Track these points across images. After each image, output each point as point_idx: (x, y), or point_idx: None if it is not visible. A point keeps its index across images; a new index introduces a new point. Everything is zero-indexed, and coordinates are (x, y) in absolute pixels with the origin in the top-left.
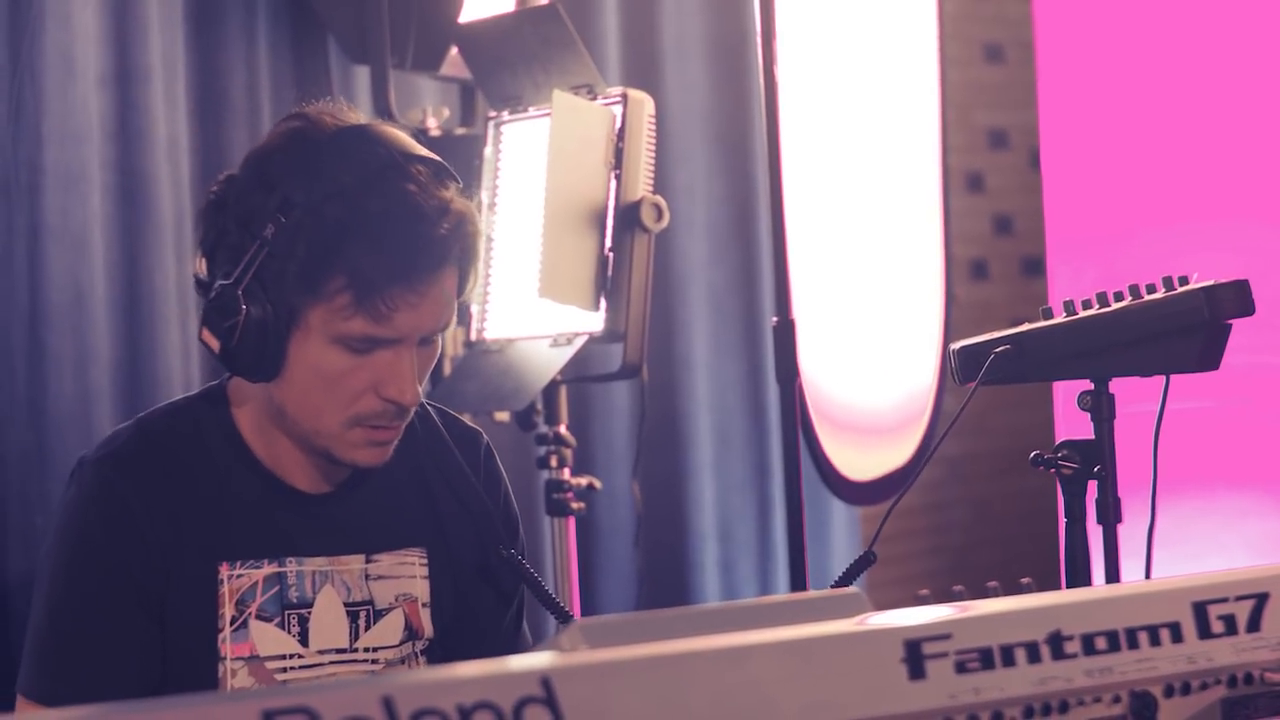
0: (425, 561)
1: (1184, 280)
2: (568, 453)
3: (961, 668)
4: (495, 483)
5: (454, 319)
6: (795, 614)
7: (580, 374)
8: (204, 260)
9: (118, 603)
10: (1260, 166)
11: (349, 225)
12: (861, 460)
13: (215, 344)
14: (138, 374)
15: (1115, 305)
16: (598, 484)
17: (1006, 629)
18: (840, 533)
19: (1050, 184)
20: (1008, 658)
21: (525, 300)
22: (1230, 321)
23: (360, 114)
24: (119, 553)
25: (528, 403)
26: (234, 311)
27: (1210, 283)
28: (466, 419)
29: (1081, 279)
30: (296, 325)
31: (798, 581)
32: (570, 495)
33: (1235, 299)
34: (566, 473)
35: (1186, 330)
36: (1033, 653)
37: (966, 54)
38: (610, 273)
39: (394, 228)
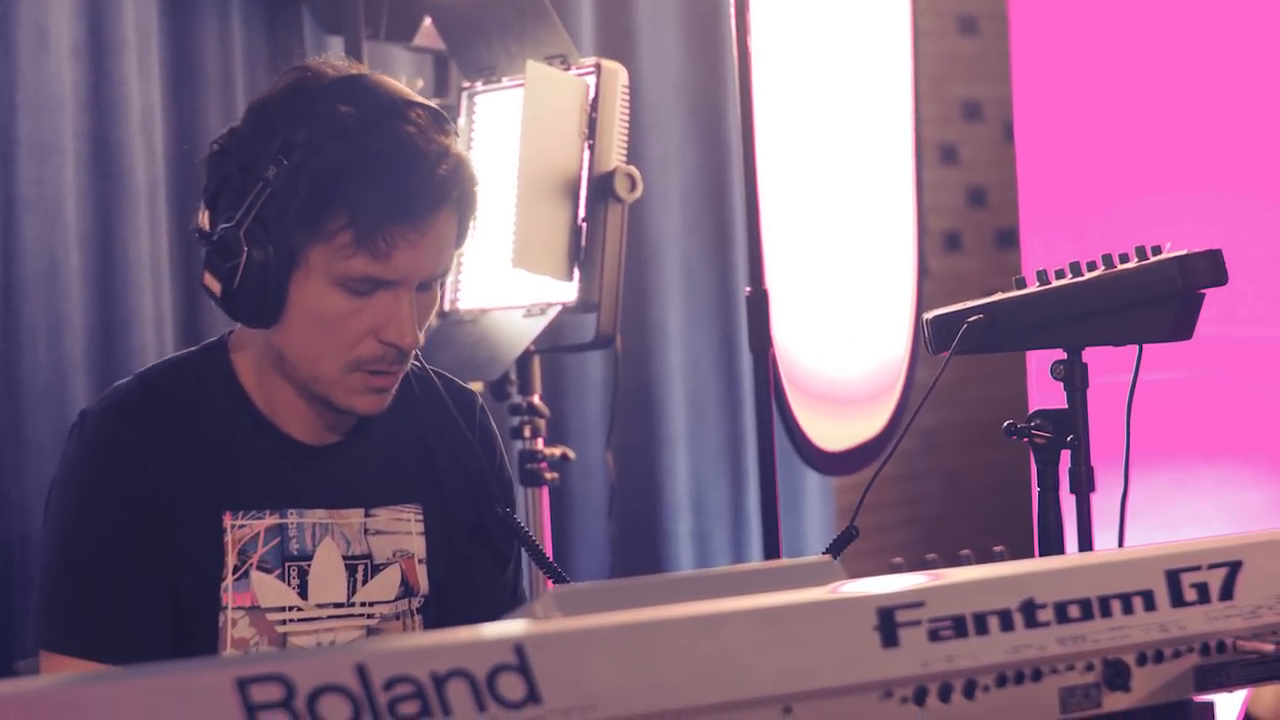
0: (421, 518)
1: (1157, 250)
2: (541, 423)
3: (935, 635)
4: (491, 444)
5: (451, 266)
6: (769, 582)
7: (554, 344)
8: (206, 212)
9: (132, 548)
10: (1233, 138)
11: (350, 164)
12: (834, 430)
13: (216, 287)
14: (112, 344)
15: (1088, 275)
16: (571, 454)
17: (980, 597)
18: (814, 503)
19: (1024, 156)
20: (981, 626)
21: (499, 270)
22: (1203, 291)
23: (362, 67)
24: (128, 499)
25: (501, 373)
26: (235, 253)
27: (1183, 252)
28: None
29: (1055, 251)
30: (297, 266)
31: (771, 551)
32: (544, 465)
33: (1208, 268)
34: (540, 443)
35: (1159, 300)
36: (1006, 621)
37: (940, 26)
38: (584, 243)
39: (394, 167)
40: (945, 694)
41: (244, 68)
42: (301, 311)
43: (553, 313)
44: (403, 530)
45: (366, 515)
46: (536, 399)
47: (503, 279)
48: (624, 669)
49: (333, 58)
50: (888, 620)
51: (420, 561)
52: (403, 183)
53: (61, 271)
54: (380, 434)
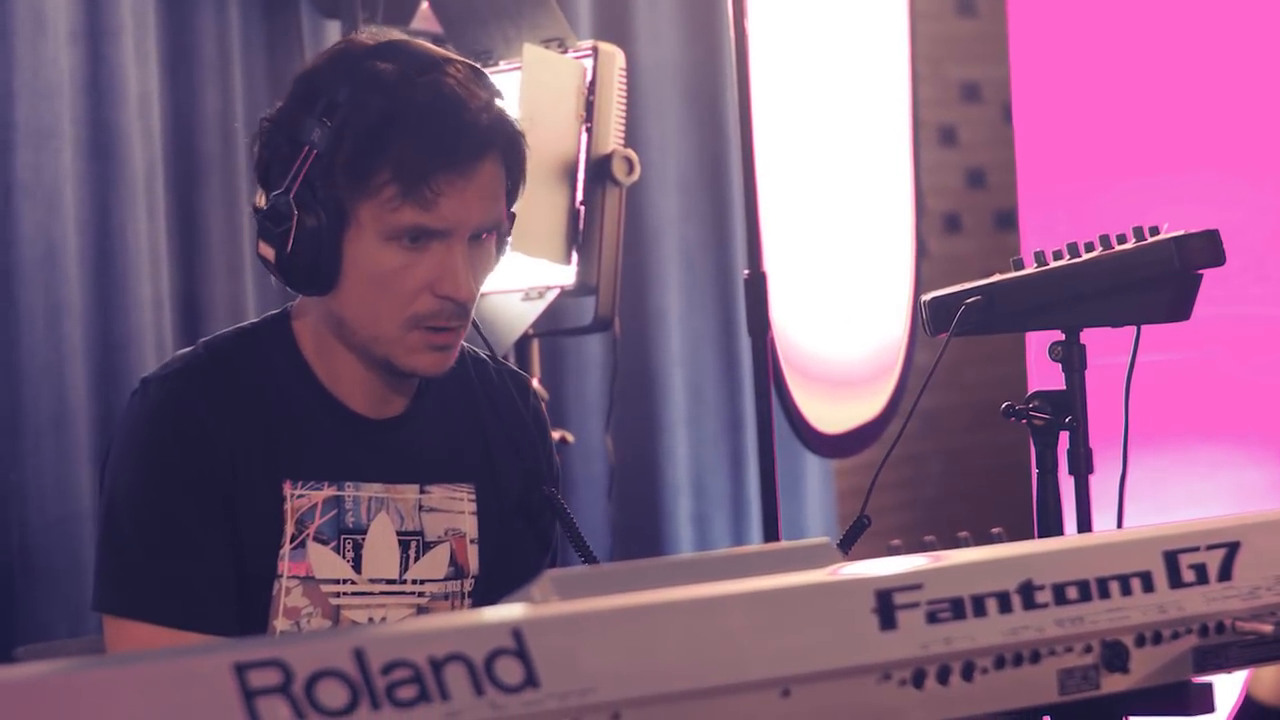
0: (474, 498)
1: (1155, 230)
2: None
3: (933, 618)
4: (543, 427)
5: (504, 220)
6: (767, 564)
7: (552, 327)
8: (261, 190)
9: (198, 512)
10: (1231, 119)
11: (392, 116)
12: (833, 413)
13: (271, 254)
14: (110, 329)
15: (1086, 256)
16: (570, 438)
17: (978, 579)
18: (814, 486)
19: (1022, 137)
20: (979, 608)
21: None
22: (1201, 272)
23: (401, 34)
24: (192, 463)
25: (500, 356)
26: (287, 218)
27: (1180, 233)
28: None
29: (1054, 232)
30: (348, 225)
31: (771, 534)
32: None
33: (1206, 249)
34: None
35: (1157, 280)
36: (1004, 602)
37: (938, 7)
38: (582, 226)
39: (436, 116)
40: (943, 676)
41: (241, 52)
42: (356, 272)
43: (551, 296)
44: (455, 509)
45: (421, 492)
46: (536, 383)
47: (500, 263)
48: (622, 652)
49: (374, 29)
50: (886, 602)
51: (472, 541)
52: (445, 131)
53: (59, 256)
54: (437, 411)
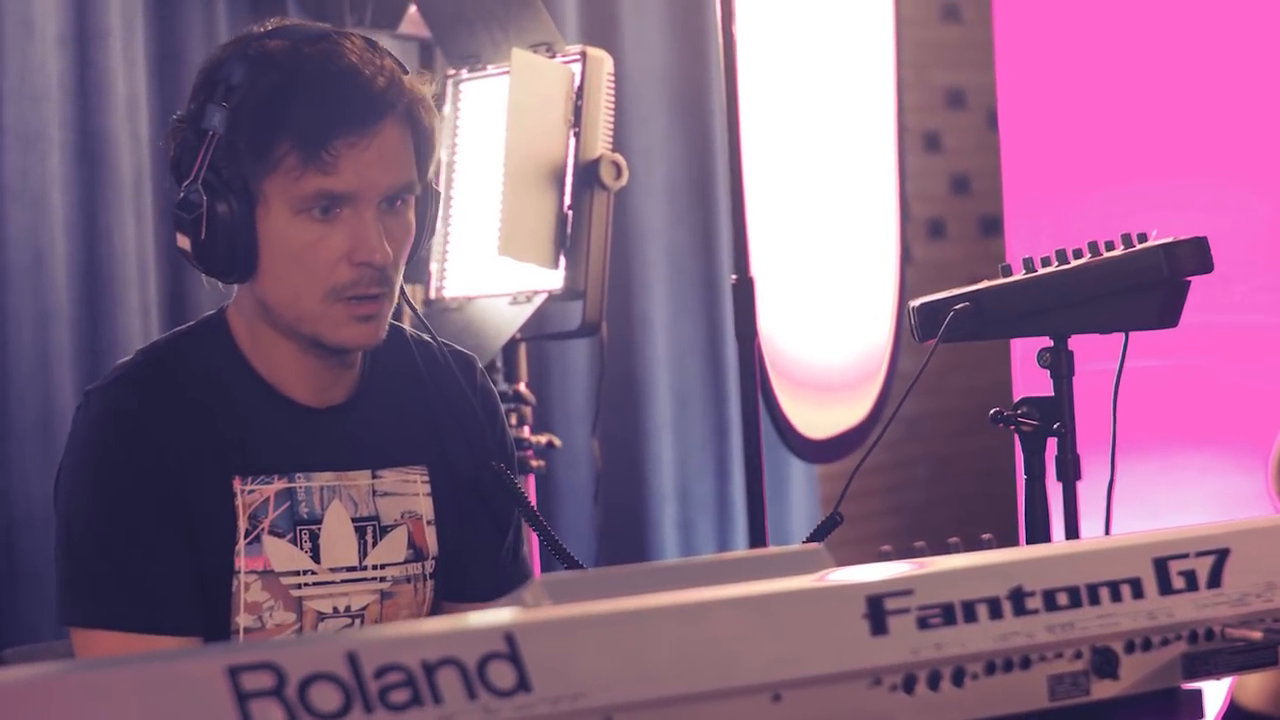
0: (427, 479)
1: (1143, 237)
2: (527, 411)
3: (924, 623)
4: (492, 406)
5: (415, 184)
6: (758, 570)
7: (539, 332)
8: (179, 189)
9: (151, 517)
10: (1217, 125)
11: (286, 88)
12: (818, 418)
13: (187, 244)
14: (98, 333)
15: (1074, 262)
16: (557, 442)
17: (968, 585)
18: (799, 491)
19: (1008, 144)
20: (969, 613)
21: (484, 258)
22: (1189, 279)
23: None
24: (141, 470)
25: (487, 360)
26: (197, 205)
27: (1169, 240)
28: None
29: (1039, 239)
30: (257, 203)
31: (757, 539)
32: (530, 453)
33: (1194, 256)
34: (526, 430)
35: (1145, 287)
36: (994, 608)
37: (924, 13)
38: (569, 230)
39: (330, 82)
40: (934, 682)
41: None
42: (271, 251)
43: (538, 300)
44: (409, 492)
45: (373, 477)
46: (523, 386)
47: (488, 267)
48: (614, 657)
49: (269, 20)
50: (877, 608)
51: (429, 523)
52: (340, 94)
53: (47, 260)
54: (383, 395)
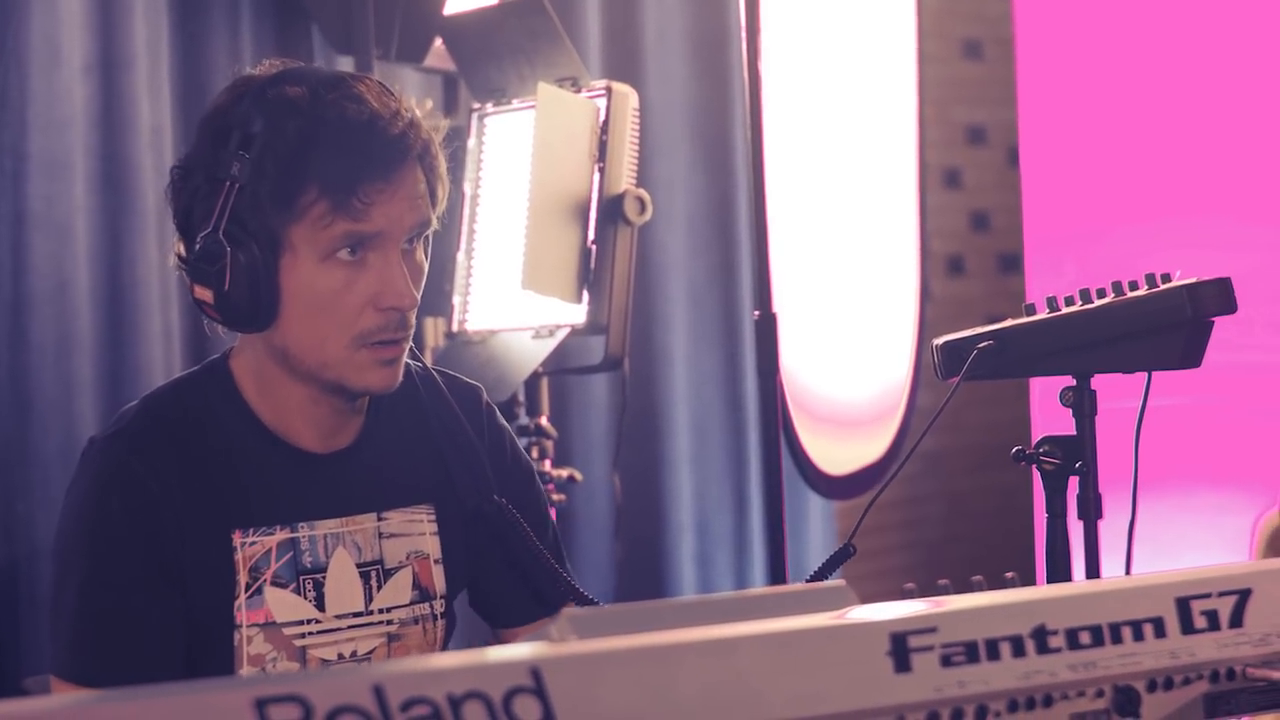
0: (434, 518)
1: (1166, 278)
2: (549, 444)
3: (947, 661)
4: (499, 436)
5: (431, 224)
6: (782, 606)
7: (562, 366)
8: (181, 239)
9: (145, 578)
10: (1238, 163)
11: (310, 136)
12: (837, 454)
13: (209, 295)
14: (120, 362)
15: (1098, 302)
16: (578, 476)
17: (991, 623)
18: (816, 526)
19: (1028, 181)
20: (993, 651)
21: (508, 292)
22: (1213, 319)
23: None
24: (139, 528)
25: (509, 394)
26: (219, 255)
27: (1193, 280)
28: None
29: (1059, 276)
30: (283, 252)
31: (776, 575)
32: (551, 487)
33: (1218, 297)
34: (548, 464)
35: (1169, 328)
36: (1017, 646)
37: (946, 50)
38: (593, 265)
39: (354, 129)
40: (957, 719)
41: None
42: (297, 298)
43: (561, 335)
44: (415, 531)
45: (379, 519)
46: (544, 420)
47: (512, 300)
48: (639, 692)
49: (266, 63)
50: (900, 645)
51: (436, 562)
52: (365, 141)
53: (70, 288)
54: (388, 436)
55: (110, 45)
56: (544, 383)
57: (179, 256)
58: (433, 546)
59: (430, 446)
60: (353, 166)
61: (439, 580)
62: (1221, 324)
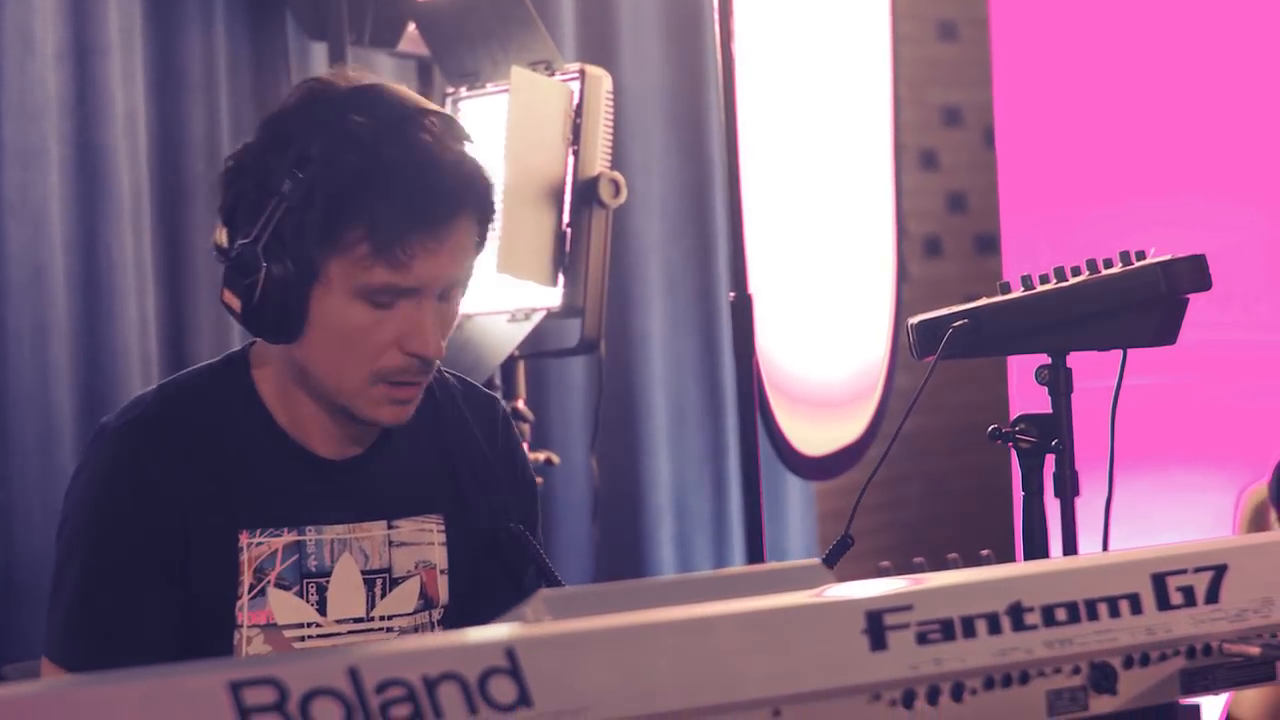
0: (443, 529)
1: (1141, 255)
2: (526, 428)
3: (923, 639)
4: (512, 451)
5: (471, 274)
6: (757, 585)
7: (538, 349)
8: (223, 228)
9: (146, 570)
10: (1213, 142)
11: (366, 174)
12: (814, 435)
13: (237, 304)
14: (96, 348)
15: (1073, 280)
16: (555, 459)
17: (967, 600)
18: (795, 508)
19: (1004, 161)
20: (969, 629)
21: (483, 276)
22: (1187, 296)
23: (376, 77)
24: (145, 520)
25: (486, 378)
26: (254, 269)
27: (1167, 257)
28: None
29: (1035, 256)
30: (317, 280)
31: (755, 557)
32: None
33: (1192, 274)
34: (525, 448)
35: (1144, 305)
36: (993, 624)
37: (920, 31)
38: (568, 248)
39: (410, 176)
40: (933, 697)
41: (227, 73)
42: (323, 325)
43: (537, 318)
44: (425, 541)
45: (389, 527)
46: (521, 404)
47: (487, 284)
48: (614, 672)
49: (348, 69)
50: (876, 623)
51: (442, 572)
52: (419, 191)
53: (46, 276)
54: (402, 445)
55: (84, 32)
56: (520, 366)
57: (216, 246)
58: (440, 557)
59: (443, 457)
60: (404, 215)
61: (443, 590)
62: (1196, 302)
